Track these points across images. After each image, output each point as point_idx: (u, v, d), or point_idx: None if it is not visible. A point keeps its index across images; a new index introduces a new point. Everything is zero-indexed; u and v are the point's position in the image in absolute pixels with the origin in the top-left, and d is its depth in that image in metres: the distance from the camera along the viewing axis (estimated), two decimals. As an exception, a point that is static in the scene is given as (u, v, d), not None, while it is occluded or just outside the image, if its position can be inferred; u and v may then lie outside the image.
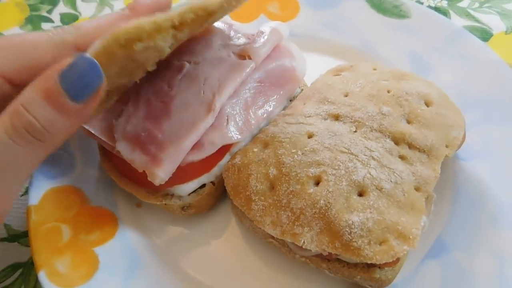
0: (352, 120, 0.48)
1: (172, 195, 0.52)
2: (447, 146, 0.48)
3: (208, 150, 0.50)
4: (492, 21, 0.77)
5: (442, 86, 0.56)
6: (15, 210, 0.60)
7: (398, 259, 0.44)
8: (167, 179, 0.48)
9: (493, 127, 0.57)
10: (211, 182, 0.53)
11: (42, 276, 0.49)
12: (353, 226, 0.41)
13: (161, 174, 0.47)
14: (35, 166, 0.39)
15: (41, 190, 0.55)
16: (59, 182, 0.57)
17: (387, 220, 0.41)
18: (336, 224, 0.41)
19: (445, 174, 0.55)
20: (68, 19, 0.84)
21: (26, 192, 0.56)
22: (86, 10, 0.87)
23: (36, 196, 0.54)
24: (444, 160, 0.51)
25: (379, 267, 0.45)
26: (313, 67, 0.62)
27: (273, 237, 0.48)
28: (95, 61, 0.36)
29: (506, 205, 0.51)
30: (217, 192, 0.54)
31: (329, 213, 0.42)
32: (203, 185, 0.53)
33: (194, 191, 0.53)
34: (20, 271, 0.55)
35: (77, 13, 0.86)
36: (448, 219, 0.52)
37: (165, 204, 0.52)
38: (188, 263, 0.53)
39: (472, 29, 0.76)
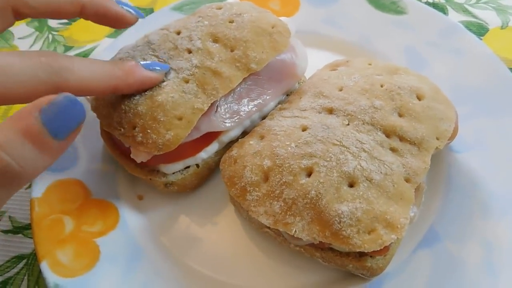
0: (345, 114, 0.49)
1: (158, 171, 0.55)
2: (437, 139, 0.49)
3: (193, 135, 0.52)
4: (489, 16, 0.78)
5: (436, 80, 0.57)
6: (19, 203, 0.61)
7: (387, 248, 0.45)
8: (148, 158, 0.52)
9: (486, 119, 0.58)
10: (196, 164, 0.56)
11: (44, 266, 0.50)
12: (342, 216, 0.42)
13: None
14: (3, 204, 0.36)
15: (44, 183, 0.57)
16: (62, 175, 0.58)
17: (376, 210, 0.43)
18: (326, 214, 0.43)
19: (438, 166, 0.57)
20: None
21: (30, 185, 0.58)
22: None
23: (39, 189, 0.56)
24: (436, 152, 0.52)
25: (371, 256, 0.46)
26: (312, 62, 0.64)
27: (268, 227, 0.49)
28: (77, 98, 0.36)
29: (497, 196, 0.52)
30: (201, 174, 0.57)
31: (319, 203, 0.43)
32: (188, 166, 0.56)
33: (179, 171, 0.55)
34: (24, 262, 0.57)
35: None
36: (440, 209, 0.53)
37: (150, 179, 0.55)
38: (188, 254, 0.54)
39: (468, 24, 0.77)
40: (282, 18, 0.62)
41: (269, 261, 0.53)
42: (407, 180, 0.46)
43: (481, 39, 0.75)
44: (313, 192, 0.44)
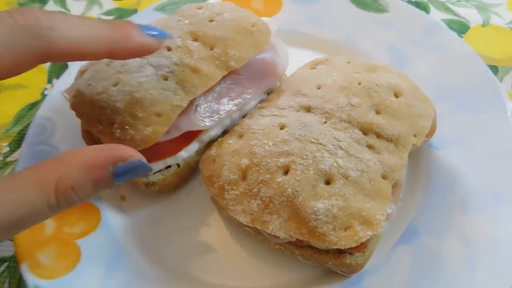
0: (323, 112, 0.49)
1: None
2: (415, 135, 0.49)
3: (173, 133, 0.52)
4: (470, 14, 0.78)
5: (418, 78, 0.58)
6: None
7: (365, 245, 0.45)
8: None
9: (466, 116, 0.59)
10: (177, 164, 0.56)
11: (24, 268, 0.50)
12: (318, 213, 0.42)
13: None
14: None
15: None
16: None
17: (352, 207, 0.43)
18: (302, 211, 0.43)
19: (418, 163, 0.57)
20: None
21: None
22: (75, 8, 0.88)
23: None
24: (415, 149, 0.52)
25: (350, 253, 0.47)
26: (294, 61, 0.64)
27: (247, 226, 0.49)
28: (149, 166, 0.39)
29: (476, 191, 0.53)
30: (182, 174, 0.57)
31: (296, 200, 0.43)
32: (169, 166, 0.56)
33: (160, 170, 0.55)
34: (5, 264, 0.57)
35: (67, 11, 0.87)
36: (420, 205, 0.54)
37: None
38: (170, 254, 0.54)
39: (450, 23, 0.77)
40: (264, 18, 0.62)
41: (250, 259, 0.53)
42: (384, 177, 0.46)
43: (462, 37, 0.75)
44: (289, 190, 0.44)
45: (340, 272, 0.49)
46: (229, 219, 0.52)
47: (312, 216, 0.42)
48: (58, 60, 0.39)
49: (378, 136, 0.48)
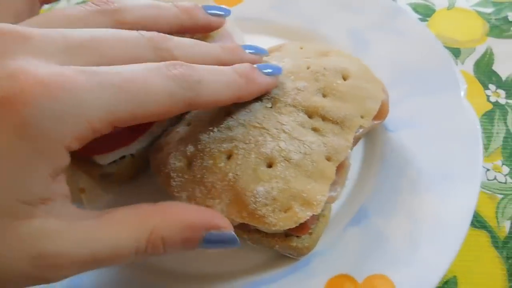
0: (269, 97, 0.50)
1: (94, 163, 0.55)
2: (362, 117, 0.49)
3: None
4: (436, -2, 0.78)
5: (377, 62, 0.58)
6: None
7: (308, 227, 0.46)
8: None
9: (421, 98, 0.59)
10: (131, 154, 0.56)
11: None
12: (258, 196, 0.43)
13: None
14: None
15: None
16: None
17: (293, 189, 0.43)
18: (243, 195, 0.43)
19: (373, 146, 0.58)
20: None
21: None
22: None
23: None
24: (372, 132, 0.53)
25: (296, 236, 0.47)
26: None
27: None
28: (238, 241, 0.40)
29: (424, 172, 0.53)
30: (137, 164, 0.57)
31: (237, 184, 0.44)
32: (124, 156, 0.56)
33: (114, 161, 0.55)
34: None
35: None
36: (373, 188, 0.54)
37: (86, 171, 0.55)
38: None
39: (416, 7, 0.78)
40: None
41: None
42: (328, 159, 0.46)
43: (427, 20, 0.76)
44: (230, 174, 0.44)
45: (289, 255, 0.49)
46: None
47: (252, 199, 0.43)
48: (199, 109, 0.42)
49: (324, 119, 0.48)
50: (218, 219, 0.39)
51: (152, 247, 0.36)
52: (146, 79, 0.36)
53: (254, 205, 0.43)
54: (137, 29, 0.40)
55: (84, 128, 0.34)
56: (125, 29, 0.40)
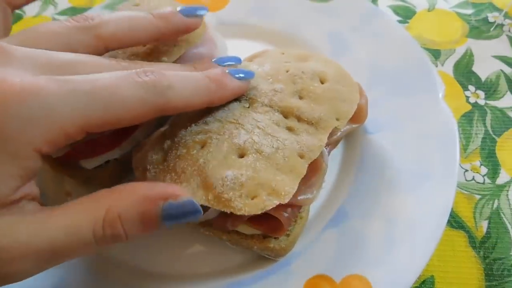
0: (247, 98, 0.51)
1: (79, 167, 0.56)
2: (337, 119, 0.50)
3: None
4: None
5: (356, 64, 0.59)
6: None
7: (284, 228, 0.46)
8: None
9: (400, 100, 0.60)
10: (116, 159, 0.57)
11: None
12: (226, 180, 0.43)
13: None
14: None
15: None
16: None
17: (262, 178, 0.44)
18: (211, 178, 0.44)
19: (352, 148, 0.59)
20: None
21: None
22: (29, 9, 0.89)
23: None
24: (352, 134, 0.53)
25: (274, 238, 0.48)
26: (241, 53, 0.64)
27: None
28: (198, 205, 0.39)
29: (403, 172, 0.54)
30: (120, 168, 0.58)
31: (206, 169, 0.44)
32: (108, 161, 0.57)
33: (99, 165, 0.56)
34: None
35: (21, 12, 0.88)
36: (351, 189, 0.55)
37: (71, 175, 0.56)
38: (113, 248, 0.55)
39: (396, 8, 0.79)
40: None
41: (182, 247, 0.55)
42: (300, 156, 0.47)
43: (408, 22, 0.76)
44: (201, 160, 0.45)
45: (267, 256, 0.50)
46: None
47: (220, 182, 0.43)
48: (169, 114, 0.42)
49: (299, 119, 0.49)
50: (173, 187, 0.38)
51: (110, 227, 0.35)
52: (117, 86, 0.37)
53: (221, 188, 0.43)
54: (116, 41, 0.44)
55: (56, 133, 0.35)
56: (104, 43, 0.43)
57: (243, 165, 0.44)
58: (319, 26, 0.72)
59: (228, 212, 0.43)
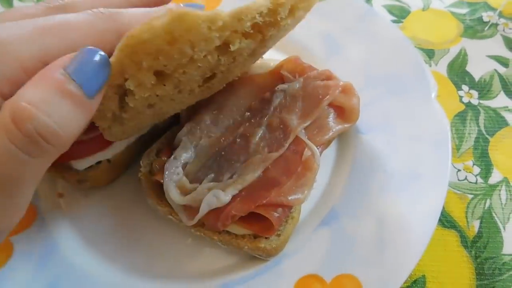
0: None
1: (71, 168, 0.56)
2: None
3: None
4: (411, -1, 0.79)
5: (350, 64, 0.59)
6: None
7: (275, 228, 0.46)
8: None
9: (393, 100, 0.60)
10: (107, 159, 0.57)
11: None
12: None
13: None
14: (42, 176, 0.35)
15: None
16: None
17: None
18: None
19: (345, 148, 0.59)
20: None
21: None
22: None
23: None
24: (344, 134, 0.53)
25: (265, 238, 0.48)
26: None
27: (171, 213, 0.50)
28: (100, 50, 0.35)
29: (392, 174, 0.54)
30: (113, 169, 0.58)
31: None
32: (100, 162, 0.56)
33: (90, 166, 0.56)
34: None
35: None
36: (343, 190, 0.55)
37: (63, 176, 0.56)
38: (103, 247, 0.55)
39: (391, 8, 0.78)
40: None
41: (177, 247, 0.55)
42: None
43: (402, 21, 0.76)
44: None
45: (258, 256, 0.50)
46: (155, 209, 0.53)
47: None
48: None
49: None
50: (112, 44, 0.37)
51: (27, 121, 0.31)
52: (67, 19, 0.38)
53: None
54: None
55: (13, 67, 0.34)
56: None
57: None
58: (313, 26, 0.71)
59: None
